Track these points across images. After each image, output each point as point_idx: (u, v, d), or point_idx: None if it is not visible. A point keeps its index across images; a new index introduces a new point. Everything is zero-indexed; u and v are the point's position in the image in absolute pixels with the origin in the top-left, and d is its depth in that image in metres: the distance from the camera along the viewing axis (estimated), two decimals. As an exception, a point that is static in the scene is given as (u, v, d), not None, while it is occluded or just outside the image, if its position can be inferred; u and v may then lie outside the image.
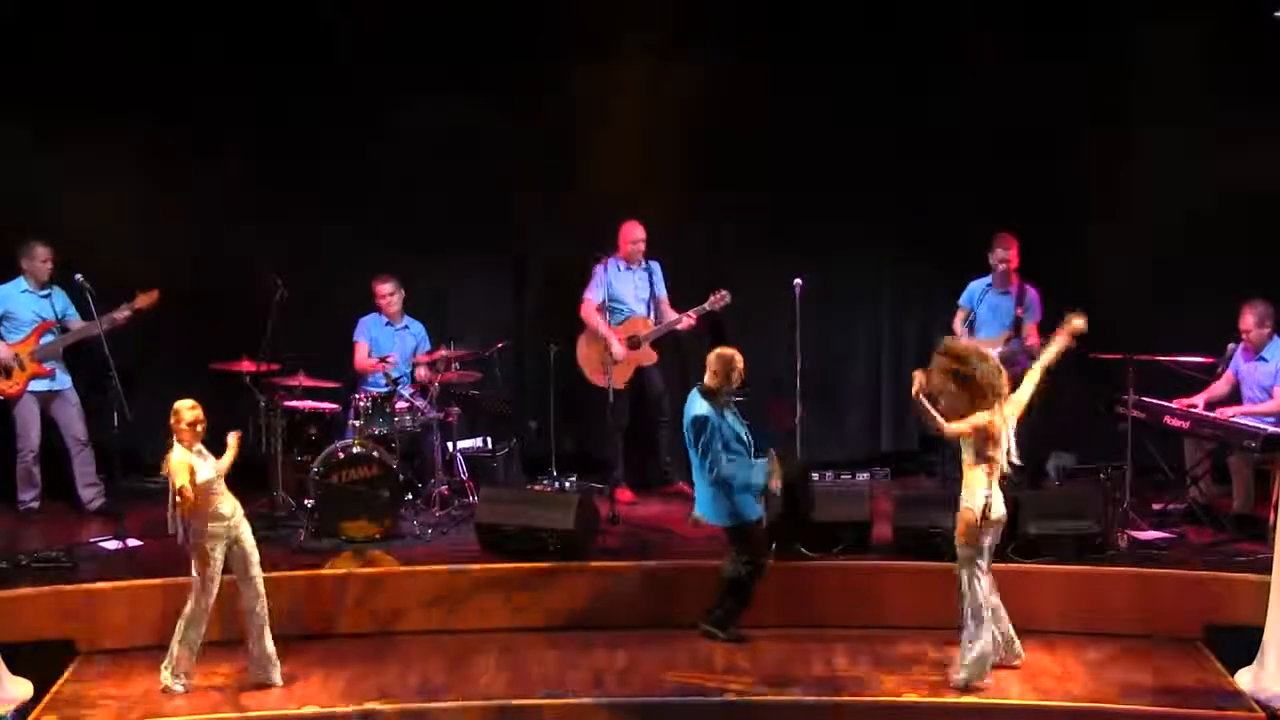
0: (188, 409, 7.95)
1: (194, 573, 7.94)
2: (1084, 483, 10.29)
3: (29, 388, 10.06)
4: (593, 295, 10.53)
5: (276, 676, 8.11)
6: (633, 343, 10.29)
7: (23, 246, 10.11)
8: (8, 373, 10.02)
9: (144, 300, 10.01)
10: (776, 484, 8.49)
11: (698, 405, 8.48)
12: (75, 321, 10.16)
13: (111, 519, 9.71)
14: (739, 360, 8.52)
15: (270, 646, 8.09)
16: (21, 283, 10.16)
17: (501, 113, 10.85)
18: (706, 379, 8.53)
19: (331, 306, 10.79)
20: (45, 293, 10.12)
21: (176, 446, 7.91)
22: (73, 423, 10.17)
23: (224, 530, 7.93)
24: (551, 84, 10.81)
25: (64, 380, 10.16)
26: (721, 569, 8.64)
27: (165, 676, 8.02)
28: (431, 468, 10.23)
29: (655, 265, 10.59)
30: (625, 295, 10.48)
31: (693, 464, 8.59)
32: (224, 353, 9.97)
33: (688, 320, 10.43)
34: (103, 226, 10.29)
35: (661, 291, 10.58)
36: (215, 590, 7.96)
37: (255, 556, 8.07)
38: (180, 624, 7.99)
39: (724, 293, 10.33)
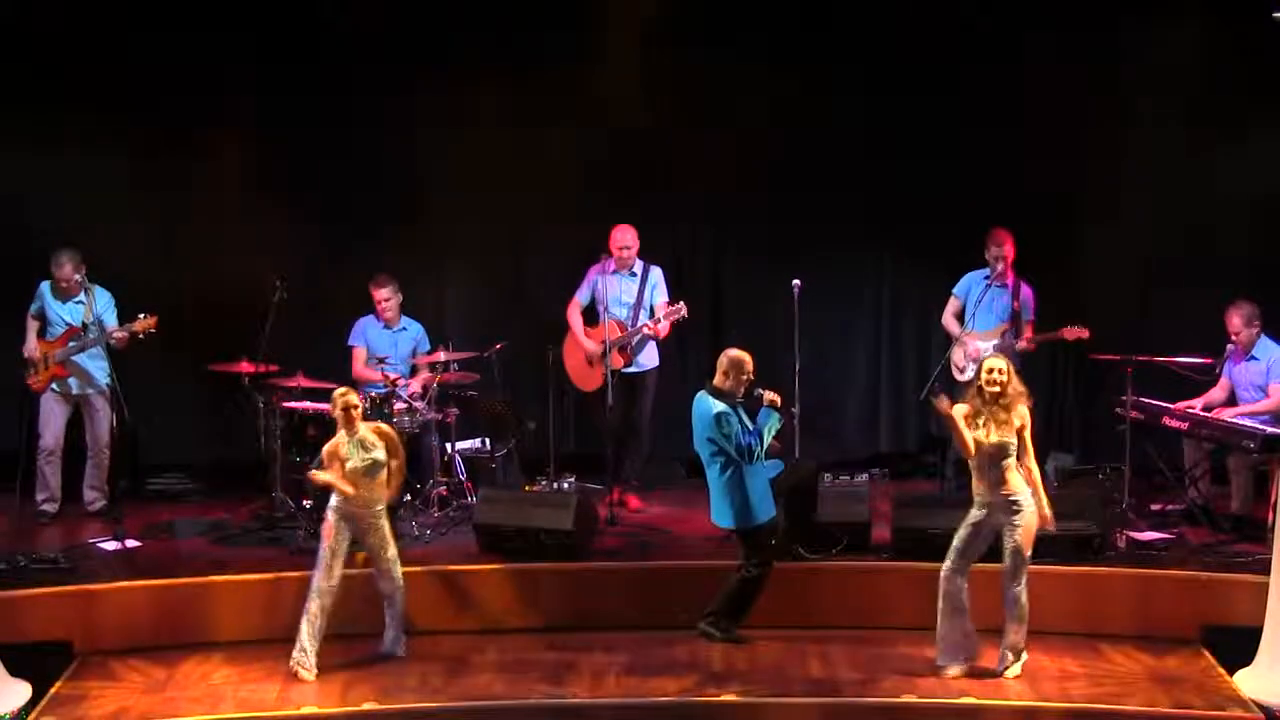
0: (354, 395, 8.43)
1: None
2: (1083, 483, 10.27)
3: (53, 387, 10.05)
4: (578, 295, 10.48)
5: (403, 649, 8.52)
6: (605, 346, 10.21)
7: (51, 254, 10.00)
8: (35, 368, 10.04)
9: (141, 325, 9.92)
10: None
11: (713, 404, 8.35)
12: (111, 325, 10.04)
13: (110, 520, 9.70)
14: (749, 364, 8.44)
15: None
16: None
17: (501, 113, 10.85)
18: (715, 379, 8.45)
19: (332, 306, 10.78)
20: (76, 299, 10.01)
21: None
22: (99, 426, 10.11)
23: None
24: (551, 84, 10.80)
25: (99, 384, 10.05)
26: (731, 575, 8.60)
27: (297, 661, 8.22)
28: (430, 469, 10.22)
29: (656, 271, 10.40)
30: (609, 299, 10.38)
31: (705, 464, 8.51)
32: (223, 353, 9.97)
33: (651, 327, 10.21)
34: (102, 227, 10.29)
35: (659, 298, 10.37)
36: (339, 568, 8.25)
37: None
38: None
39: (680, 304, 10.18)
